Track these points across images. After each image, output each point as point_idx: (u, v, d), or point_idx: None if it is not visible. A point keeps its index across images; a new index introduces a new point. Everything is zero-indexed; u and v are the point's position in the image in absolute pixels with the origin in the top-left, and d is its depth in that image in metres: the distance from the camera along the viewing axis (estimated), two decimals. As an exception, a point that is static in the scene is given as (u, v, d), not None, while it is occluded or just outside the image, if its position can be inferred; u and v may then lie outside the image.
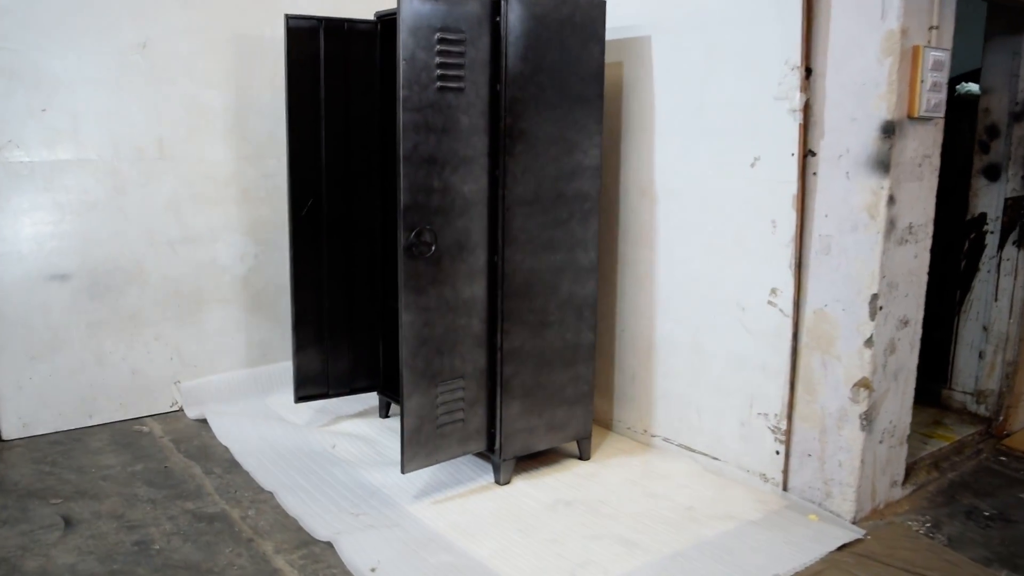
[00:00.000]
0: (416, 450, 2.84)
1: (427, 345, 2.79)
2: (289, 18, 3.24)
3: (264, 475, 3.10)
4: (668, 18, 3.14)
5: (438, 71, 2.67)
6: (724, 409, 3.15)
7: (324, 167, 3.41)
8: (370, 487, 3.02)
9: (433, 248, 2.74)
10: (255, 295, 3.94)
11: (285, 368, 4.01)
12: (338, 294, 3.52)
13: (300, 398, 3.52)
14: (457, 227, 2.81)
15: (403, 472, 2.82)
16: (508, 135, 2.82)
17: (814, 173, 2.80)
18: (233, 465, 3.22)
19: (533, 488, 3.05)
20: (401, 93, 2.60)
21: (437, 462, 2.93)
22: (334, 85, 3.38)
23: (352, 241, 3.52)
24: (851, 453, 2.81)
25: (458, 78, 2.72)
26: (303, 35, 3.29)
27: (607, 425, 3.63)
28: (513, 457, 3.07)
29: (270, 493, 2.98)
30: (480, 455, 3.18)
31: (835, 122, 2.73)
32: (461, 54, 2.71)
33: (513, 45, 2.78)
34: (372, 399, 3.82)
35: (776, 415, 2.98)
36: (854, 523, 2.80)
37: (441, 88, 2.69)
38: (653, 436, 3.45)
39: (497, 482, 3.06)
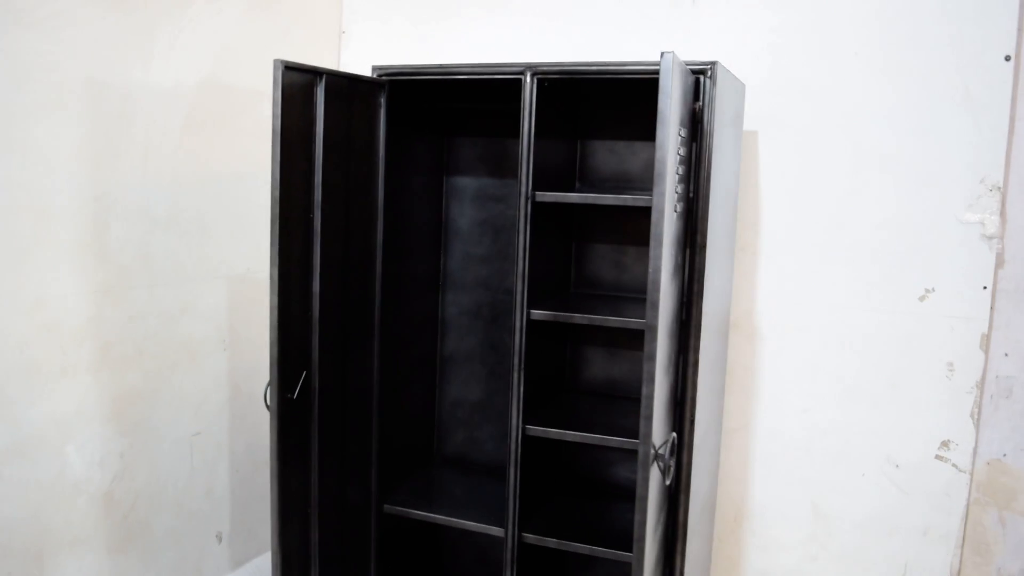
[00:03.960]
0: None
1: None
2: (286, 68, 1.87)
3: None
4: (790, 113, 2.47)
5: (679, 186, 1.69)
6: (860, 585, 2.57)
7: (318, 314, 2.06)
8: None
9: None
10: (122, 520, 2.28)
11: (164, 627, 2.43)
12: (330, 517, 2.16)
13: None
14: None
15: None
16: (697, 275, 1.91)
17: (990, 308, 2.40)
18: None
19: None
20: (662, 240, 1.55)
21: None
22: (333, 175, 2.06)
23: (343, 422, 2.20)
24: (1036, 624, 2.44)
25: (683, 196, 1.76)
26: (297, 95, 1.94)
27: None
28: None
29: None
30: None
31: (1020, 250, 2.36)
32: (686, 158, 1.76)
33: (715, 143, 1.90)
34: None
35: (941, 588, 2.49)
36: None
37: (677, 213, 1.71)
38: (741, 626, 2.72)
39: None
